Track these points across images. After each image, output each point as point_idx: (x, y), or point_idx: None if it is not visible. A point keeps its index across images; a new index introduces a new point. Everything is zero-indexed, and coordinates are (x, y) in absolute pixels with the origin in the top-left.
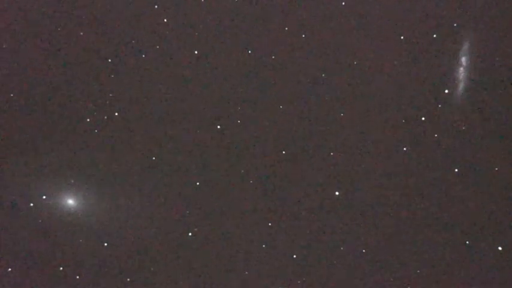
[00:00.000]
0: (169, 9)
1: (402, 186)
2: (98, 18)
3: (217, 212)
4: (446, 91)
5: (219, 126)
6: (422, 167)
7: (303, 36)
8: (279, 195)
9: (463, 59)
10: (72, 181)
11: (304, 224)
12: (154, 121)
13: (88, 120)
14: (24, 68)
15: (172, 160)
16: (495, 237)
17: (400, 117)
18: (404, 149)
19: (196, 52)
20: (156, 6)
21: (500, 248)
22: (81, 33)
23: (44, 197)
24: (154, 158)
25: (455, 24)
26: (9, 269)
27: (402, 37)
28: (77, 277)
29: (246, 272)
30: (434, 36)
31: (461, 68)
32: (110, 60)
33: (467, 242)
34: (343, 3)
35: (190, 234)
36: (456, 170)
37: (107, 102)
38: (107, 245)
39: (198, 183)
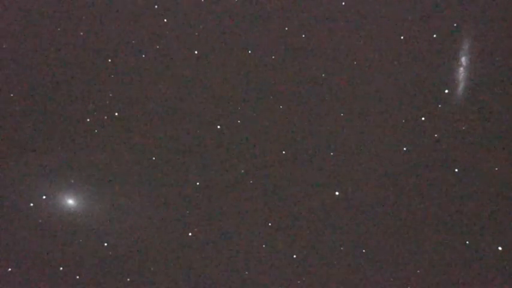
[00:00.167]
0: (169, 9)
1: (402, 186)
2: (98, 18)
3: (217, 212)
4: (446, 91)
5: (219, 126)
6: (422, 167)
7: (303, 36)
8: (279, 195)
9: (463, 59)
10: (72, 181)
11: (304, 224)
12: (154, 121)
13: (88, 120)
14: (24, 68)
15: (172, 160)
16: (495, 237)
17: (400, 117)
18: (404, 149)
19: (196, 52)
20: (156, 6)
21: (500, 248)
22: (81, 33)
23: (44, 197)
24: (154, 158)
25: (455, 24)
26: (9, 269)
27: (402, 37)
28: (77, 277)
29: (246, 272)
30: (434, 36)
31: (461, 68)
32: (109, 60)
33: (467, 242)
34: (343, 3)
35: (190, 234)
36: (456, 170)
37: (107, 102)
38: (107, 245)
39: (198, 183)
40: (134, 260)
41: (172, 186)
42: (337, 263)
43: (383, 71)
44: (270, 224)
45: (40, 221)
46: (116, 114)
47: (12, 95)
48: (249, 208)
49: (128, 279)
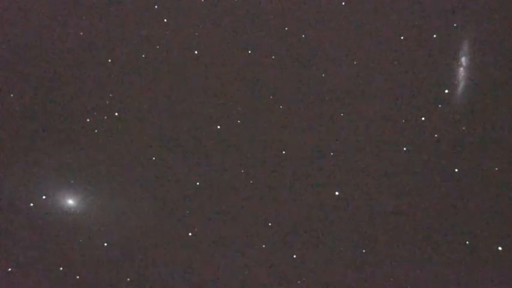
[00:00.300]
0: (169, 9)
1: (402, 186)
2: (98, 18)
3: (217, 212)
4: (446, 91)
5: (219, 126)
6: (422, 167)
7: (303, 36)
8: (279, 195)
9: (463, 59)
10: (72, 181)
11: (304, 224)
12: (154, 121)
13: (88, 120)
14: (24, 68)
15: (172, 160)
16: (495, 237)
17: (400, 117)
18: (404, 149)
19: (196, 52)
20: (156, 6)
21: (500, 248)
22: (81, 33)
23: (44, 197)
24: (154, 158)
25: (455, 24)
26: (9, 269)
27: (402, 37)
28: (77, 277)
29: (246, 272)
30: (434, 36)
31: (461, 68)
32: (110, 60)
33: (467, 242)
34: (343, 3)
35: (190, 234)
36: (456, 170)
37: (107, 102)
38: (107, 245)
39: (198, 183)
40: (134, 260)
41: (172, 186)
42: (337, 263)
43: (383, 71)
44: (270, 224)
45: (40, 221)
46: (116, 114)
47: (12, 95)
48: (249, 208)
49: (128, 279)
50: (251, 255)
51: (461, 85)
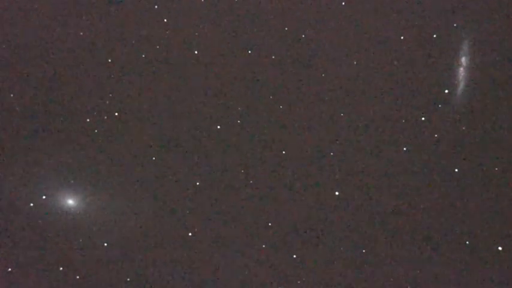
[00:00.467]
0: (169, 9)
1: (402, 186)
2: (98, 18)
3: (217, 212)
4: (446, 91)
5: (219, 126)
6: (422, 167)
7: (303, 36)
8: (279, 195)
9: (463, 59)
10: (72, 181)
11: (304, 224)
12: (154, 121)
13: (88, 120)
14: (24, 68)
15: (172, 160)
16: (495, 237)
17: (400, 117)
18: (404, 149)
19: (196, 52)
20: (156, 6)
21: (500, 248)
22: (81, 33)
23: (44, 197)
24: (154, 158)
25: (455, 24)
26: (9, 269)
27: (402, 37)
28: (77, 277)
29: (246, 272)
30: (434, 36)
31: (461, 68)
32: (110, 60)
33: (467, 242)
34: (343, 3)
35: (190, 234)
36: (456, 170)
37: (107, 102)
38: (107, 245)
39: (198, 183)
40: (134, 260)
41: (172, 186)
42: (337, 263)
43: (383, 71)
44: (270, 224)
45: (40, 221)
46: (116, 114)
47: (12, 95)
48: (249, 208)
49: (128, 279)
50: (251, 255)
51: (461, 85)
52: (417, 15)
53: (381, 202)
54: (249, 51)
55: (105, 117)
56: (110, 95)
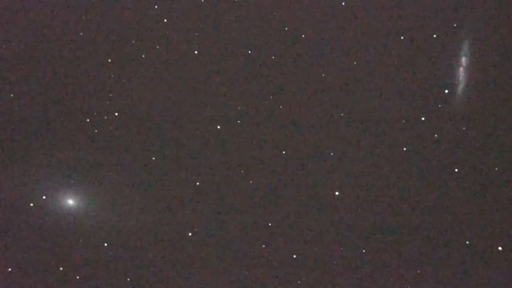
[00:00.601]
0: (169, 9)
1: (402, 186)
2: (98, 18)
3: (217, 212)
4: (446, 91)
5: (219, 126)
6: (422, 167)
7: (303, 36)
8: (279, 195)
9: (463, 59)
10: (72, 181)
11: (304, 224)
12: (154, 121)
13: (88, 120)
14: (24, 68)
15: (172, 160)
16: (495, 237)
17: (400, 117)
18: (404, 149)
19: (196, 52)
20: (156, 6)
21: (500, 248)
22: (81, 33)
23: (44, 197)
24: (154, 158)
25: (455, 24)
26: (9, 269)
27: (402, 37)
28: (77, 277)
29: (246, 272)
30: (434, 36)
31: (461, 68)
32: (109, 60)
33: (467, 242)
34: (343, 3)
35: (190, 234)
36: (456, 170)
37: (107, 102)
38: (107, 245)
39: (198, 183)
40: (134, 260)
41: (172, 186)
42: (337, 263)
43: (383, 71)
44: (270, 224)
45: (40, 221)
46: (116, 114)
47: (12, 95)
48: (249, 208)
49: (128, 279)
50: (251, 255)
51: (461, 85)
52: (417, 15)
53: (381, 202)
54: (249, 51)
55: (105, 117)
56: (110, 95)
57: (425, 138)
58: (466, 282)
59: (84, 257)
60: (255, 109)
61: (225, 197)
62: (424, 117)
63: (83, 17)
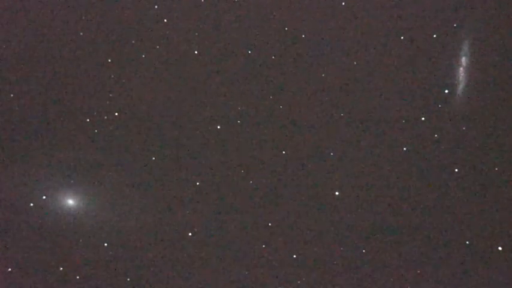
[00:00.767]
0: (169, 9)
1: (402, 186)
2: (98, 18)
3: (217, 212)
4: (446, 91)
5: (219, 126)
6: (422, 167)
7: (303, 36)
8: (279, 195)
9: (463, 59)
10: (72, 181)
11: (304, 224)
12: (154, 121)
13: (88, 120)
14: (24, 68)
15: (172, 160)
16: (495, 237)
17: (400, 117)
18: (404, 149)
19: (196, 52)
20: (156, 6)
21: (500, 248)
22: (81, 33)
23: (44, 197)
24: (154, 158)
25: (455, 24)
26: (9, 269)
27: (402, 37)
28: (77, 277)
29: (246, 272)
30: (434, 36)
31: (461, 68)
32: (109, 60)
33: (467, 242)
34: (343, 3)
35: (190, 234)
36: (456, 170)
37: (107, 102)
38: (107, 245)
39: (198, 183)
40: (134, 260)
41: (172, 186)
42: (337, 263)
43: (383, 71)
44: (270, 224)
45: (40, 221)
46: (116, 114)
47: (12, 95)
48: (249, 208)
49: (128, 279)
50: (251, 255)
51: (461, 85)
52: (417, 15)
53: (381, 202)
54: (249, 51)
55: (105, 117)
56: (110, 95)
57: (425, 138)
58: (466, 282)
59: (84, 257)
60: (255, 109)
61: (225, 197)
62: (424, 117)
63: (83, 17)
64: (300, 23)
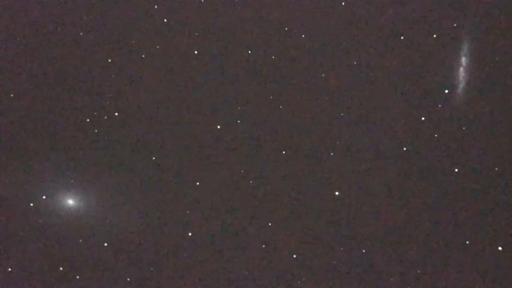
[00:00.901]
0: (169, 9)
1: (402, 186)
2: (98, 18)
3: (217, 212)
4: (446, 91)
5: (219, 126)
6: (422, 167)
7: (303, 36)
8: (279, 195)
9: (463, 59)
10: (72, 181)
11: (304, 224)
12: (154, 121)
13: (88, 120)
14: (24, 68)
15: (172, 160)
16: (495, 237)
17: (400, 117)
18: (404, 149)
19: (196, 52)
20: (156, 6)
21: (500, 248)
22: (81, 33)
23: (44, 197)
24: (154, 158)
25: (455, 24)
26: (9, 269)
27: (402, 37)
28: (77, 277)
29: (246, 272)
30: (434, 36)
31: (461, 68)
32: (109, 60)
33: (467, 242)
34: (343, 3)
35: (190, 234)
36: (456, 170)
37: (107, 102)
38: (107, 245)
39: (198, 183)
40: (134, 260)
41: (172, 186)
42: (337, 263)
43: (383, 71)
44: (270, 224)
45: (40, 221)
46: (116, 114)
47: (12, 95)
48: (249, 208)
49: (128, 279)
50: (251, 255)
51: (461, 85)
52: (417, 15)
53: (380, 202)
54: (249, 51)
55: (105, 117)
56: (110, 95)
57: (425, 138)
58: (466, 282)
59: (84, 257)
60: (255, 109)
61: (225, 197)
62: (424, 117)
63: (83, 17)
64: (300, 23)
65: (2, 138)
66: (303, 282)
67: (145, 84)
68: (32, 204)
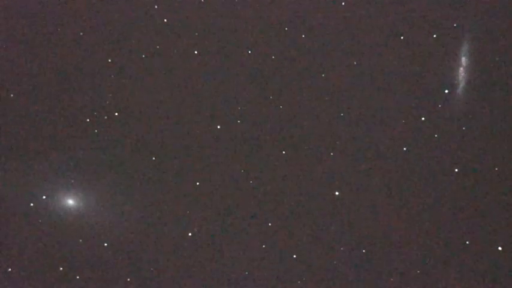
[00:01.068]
0: (169, 9)
1: (402, 186)
2: (98, 18)
3: (217, 212)
4: (446, 91)
5: (219, 126)
6: (422, 167)
7: (303, 36)
8: (279, 195)
9: (463, 59)
10: (72, 181)
11: (304, 224)
12: (154, 121)
13: (88, 120)
14: (24, 68)
15: (172, 160)
16: (495, 237)
17: (400, 117)
18: (404, 149)
19: (196, 52)
20: (156, 6)
21: (500, 248)
22: (81, 33)
23: (44, 197)
24: (154, 158)
25: (455, 24)
26: (9, 269)
27: (402, 37)
28: (77, 277)
29: (246, 272)
30: (434, 36)
31: (461, 68)
32: (109, 60)
33: (467, 242)
34: (343, 3)
35: (190, 234)
36: (456, 170)
37: (107, 102)
38: (107, 245)
39: (198, 183)
40: (134, 260)
41: (172, 186)
42: (337, 263)
43: (383, 71)
44: (270, 224)
45: (40, 221)
46: (116, 114)
47: (12, 95)
48: (249, 208)
49: (128, 279)
50: (251, 255)
51: (461, 85)
52: (417, 15)
53: (380, 202)
54: (249, 51)
55: (105, 117)
56: (110, 95)
57: (425, 138)
58: (466, 282)
59: (84, 257)
60: (255, 109)
61: (225, 197)
62: (424, 117)
63: (83, 17)
64: (300, 23)
65: (2, 138)
66: (303, 282)
67: (145, 84)
68: (32, 204)
